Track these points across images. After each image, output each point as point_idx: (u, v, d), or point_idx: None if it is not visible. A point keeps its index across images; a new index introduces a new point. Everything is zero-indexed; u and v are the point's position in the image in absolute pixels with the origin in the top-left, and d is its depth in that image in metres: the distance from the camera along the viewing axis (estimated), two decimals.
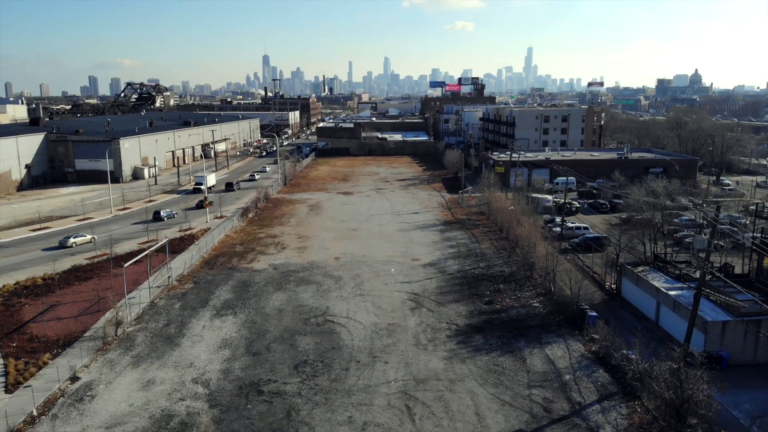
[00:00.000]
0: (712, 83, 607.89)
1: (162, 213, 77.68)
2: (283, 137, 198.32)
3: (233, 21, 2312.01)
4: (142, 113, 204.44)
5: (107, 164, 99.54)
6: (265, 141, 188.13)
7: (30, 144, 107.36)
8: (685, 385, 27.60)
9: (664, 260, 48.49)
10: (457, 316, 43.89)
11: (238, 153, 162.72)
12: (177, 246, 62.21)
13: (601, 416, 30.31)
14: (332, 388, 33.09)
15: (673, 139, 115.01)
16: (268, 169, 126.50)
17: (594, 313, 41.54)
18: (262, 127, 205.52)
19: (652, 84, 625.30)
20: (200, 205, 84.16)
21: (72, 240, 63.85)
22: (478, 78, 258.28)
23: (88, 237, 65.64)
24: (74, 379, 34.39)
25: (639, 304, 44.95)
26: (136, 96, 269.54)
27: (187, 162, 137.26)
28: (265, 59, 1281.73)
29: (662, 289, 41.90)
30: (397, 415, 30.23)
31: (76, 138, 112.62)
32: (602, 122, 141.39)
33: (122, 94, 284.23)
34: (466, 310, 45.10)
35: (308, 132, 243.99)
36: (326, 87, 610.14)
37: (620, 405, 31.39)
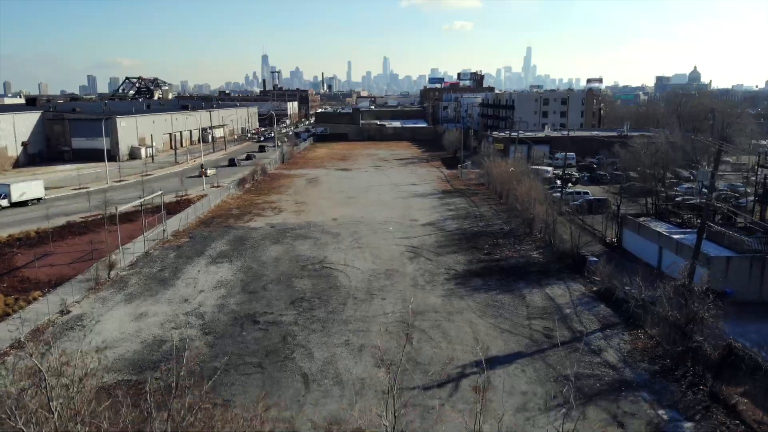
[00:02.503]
0: (711, 80, 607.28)
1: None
2: (282, 126, 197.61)
3: (232, 20, 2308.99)
4: (140, 100, 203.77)
5: (104, 142, 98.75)
6: (263, 129, 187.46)
7: (26, 122, 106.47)
8: (690, 303, 26.94)
9: (667, 206, 47.93)
10: (456, 264, 43.23)
11: (236, 137, 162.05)
12: (173, 208, 61.45)
13: (603, 342, 29.70)
14: (329, 319, 32.42)
15: (673, 121, 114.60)
16: (256, 154, 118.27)
17: (594, 258, 40.91)
18: (260, 116, 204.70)
19: (651, 83, 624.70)
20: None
21: (238, 159, 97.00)
22: (477, 72, 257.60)
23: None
24: (65, 312, 33.65)
25: (641, 252, 44.25)
26: (134, 91, 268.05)
27: (184, 145, 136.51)
28: (264, 59, 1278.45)
29: (665, 233, 41.31)
30: (395, 338, 29.52)
31: (73, 116, 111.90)
32: (601, 108, 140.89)
33: (120, 89, 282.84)
34: (465, 259, 44.43)
35: (307, 123, 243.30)
36: (325, 85, 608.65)
37: (623, 333, 30.76)
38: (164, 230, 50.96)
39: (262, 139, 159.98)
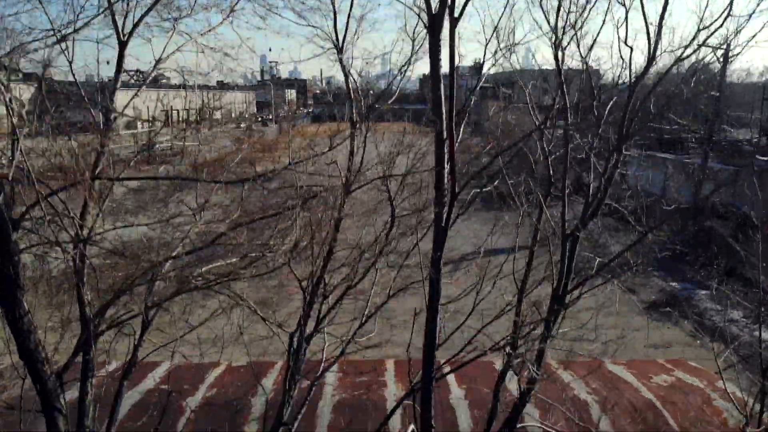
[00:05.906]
0: None
1: None
2: (280, 113, 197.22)
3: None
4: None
5: (100, 115, 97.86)
6: (261, 114, 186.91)
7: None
8: (699, 192, 26.04)
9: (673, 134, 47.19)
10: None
11: (234, 117, 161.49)
12: (167, 159, 60.71)
13: (610, 239, 28.71)
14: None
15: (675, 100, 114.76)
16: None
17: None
18: (258, 103, 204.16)
19: (650, 81, 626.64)
20: None
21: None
22: (477, 60, 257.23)
23: None
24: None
25: (645, 183, 43.35)
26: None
27: (181, 124, 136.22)
28: (263, 59, 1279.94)
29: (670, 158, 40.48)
30: (398, 240, 28.73)
31: (68, 89, 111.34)
32: (601, 87, 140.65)
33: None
34: (467, 194, 43.61)
35: (304, 111, 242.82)
36: (324, 82, 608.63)
37: (630, 232, 29.90)
38: (158, 172, 50.10)
39: (260, 120, 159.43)
